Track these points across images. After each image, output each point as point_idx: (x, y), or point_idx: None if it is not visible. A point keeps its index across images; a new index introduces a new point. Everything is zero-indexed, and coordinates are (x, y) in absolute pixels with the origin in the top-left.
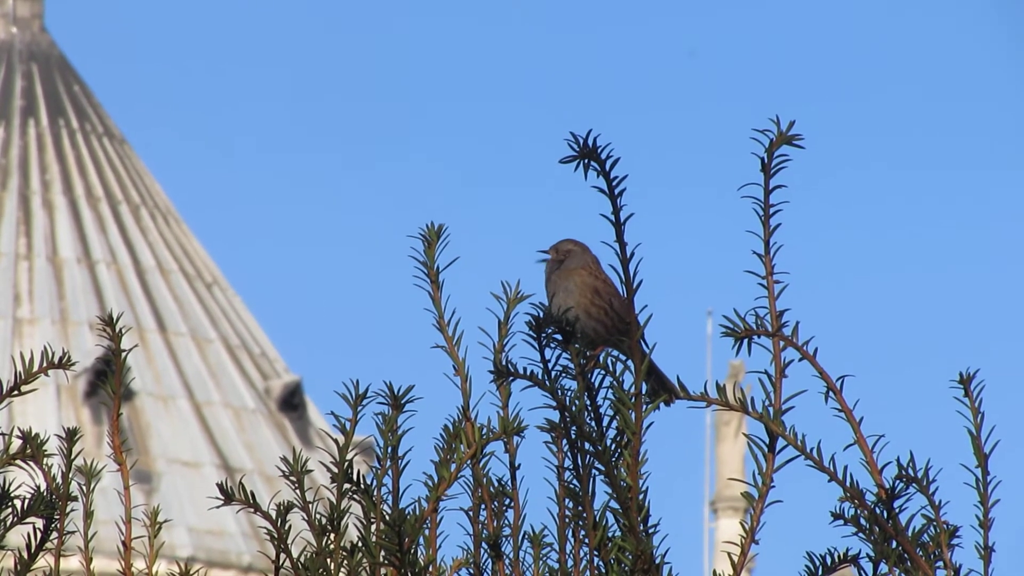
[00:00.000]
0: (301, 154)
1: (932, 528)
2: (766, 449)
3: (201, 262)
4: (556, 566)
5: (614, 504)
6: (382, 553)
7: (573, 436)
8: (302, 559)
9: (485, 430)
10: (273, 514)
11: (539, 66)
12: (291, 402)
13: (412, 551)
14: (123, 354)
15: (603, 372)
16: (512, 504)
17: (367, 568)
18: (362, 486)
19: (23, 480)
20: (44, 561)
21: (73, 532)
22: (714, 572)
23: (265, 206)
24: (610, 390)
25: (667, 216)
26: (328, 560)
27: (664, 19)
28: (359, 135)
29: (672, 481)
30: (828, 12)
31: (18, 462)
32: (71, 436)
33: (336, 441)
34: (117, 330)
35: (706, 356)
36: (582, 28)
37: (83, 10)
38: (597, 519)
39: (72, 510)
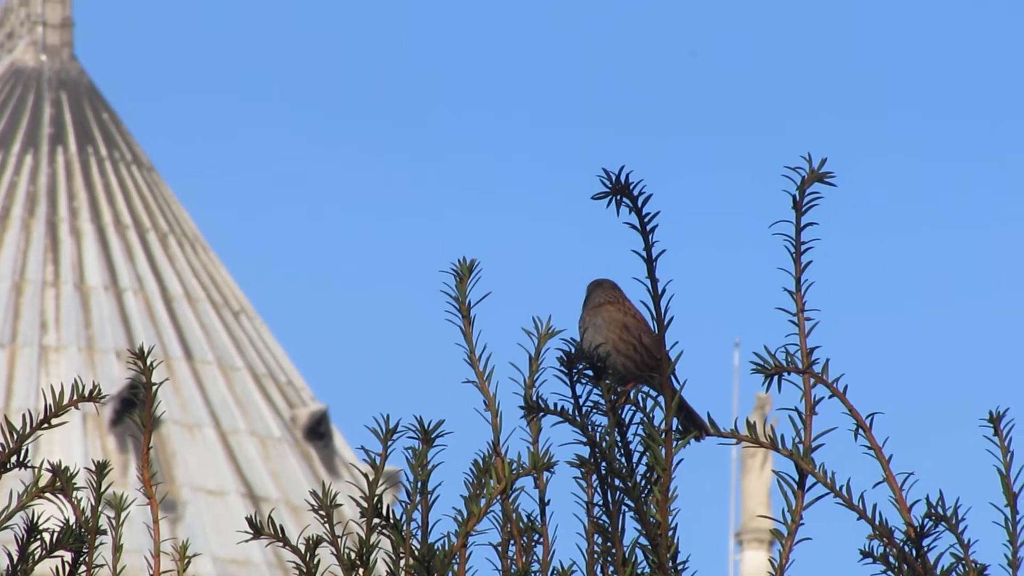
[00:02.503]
0: (330, 182)
1: (961, 567)
2: (795, 486)
3: (228, 290)
4: None
5: (643, 540)
6: None
7: (603, 472)
8: None
9: (515, 465)
10: (302, 548)
11: (574, 96)
12: (317, 431)
13: None
14: (154, 387)
15: (633, 408)
16: (541, 540)
17: None
18: (391, 521)
19: (52, 513)
20: None
21: (102, 566)
22: None
23: (294, 235)
24: (640, 426)
25: (692, 244)
26: None
27: (708, 53)
28: (391, 166)
29: (697, 513)
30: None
31: (47, 495)
32: (100, 469)
33: (365, 475)
34: (148, 363)
35: (733, 387)
36: (611, 48)
37: (113, 39)
38: (626, 555)
39: (100, 543)
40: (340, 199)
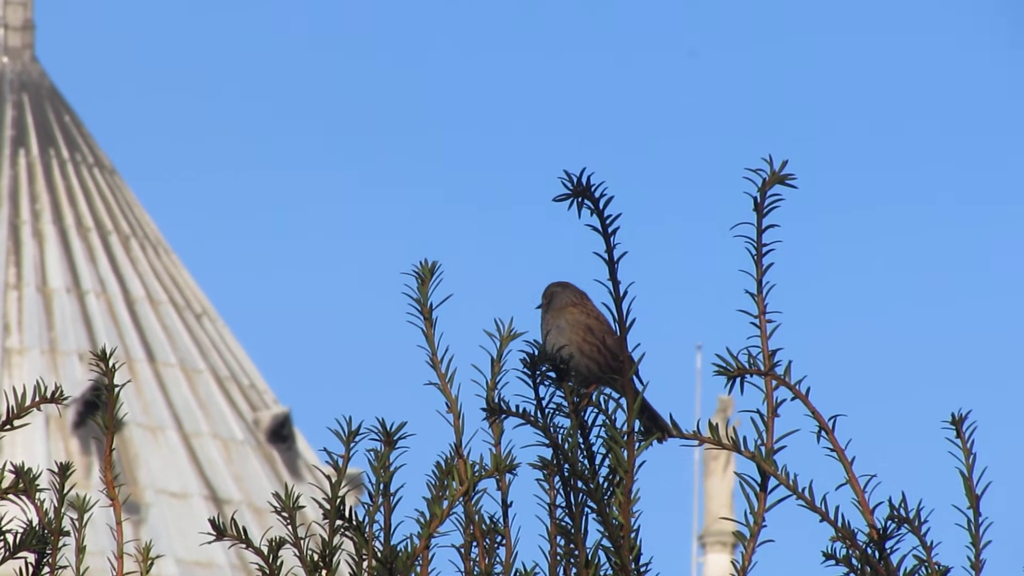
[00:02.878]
0: (292, 185)
1: (924, 569)
2: (758, 488)
3: (191, 293)
4: None
5: (606, 542)
6: None
7: (566, 474)
8: None
9: (477, 467)
10: (265, 550)
11: (533, 98)
12: (280, 433)
13: None
14: (116, 389)
15: (596, 410)
16: (504, 541)
17: None
18: (354, 522)
19: (15, 514)
20: None
21: (65, 567)
22: None
23: (256, 238)
24: (603, 428)
25: (654, 248)
26: None
27: (663, 51)
28: (350, 166)
29: (660, 515)
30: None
31: (10, 496)
32: (64, 471)
33: (328, 477)
34: (110, 365)
35: (695, 390)
36: (576, 54)
37: (74, 41)
38: (589, 557)
39: (64, 544)
40: (302, 201)
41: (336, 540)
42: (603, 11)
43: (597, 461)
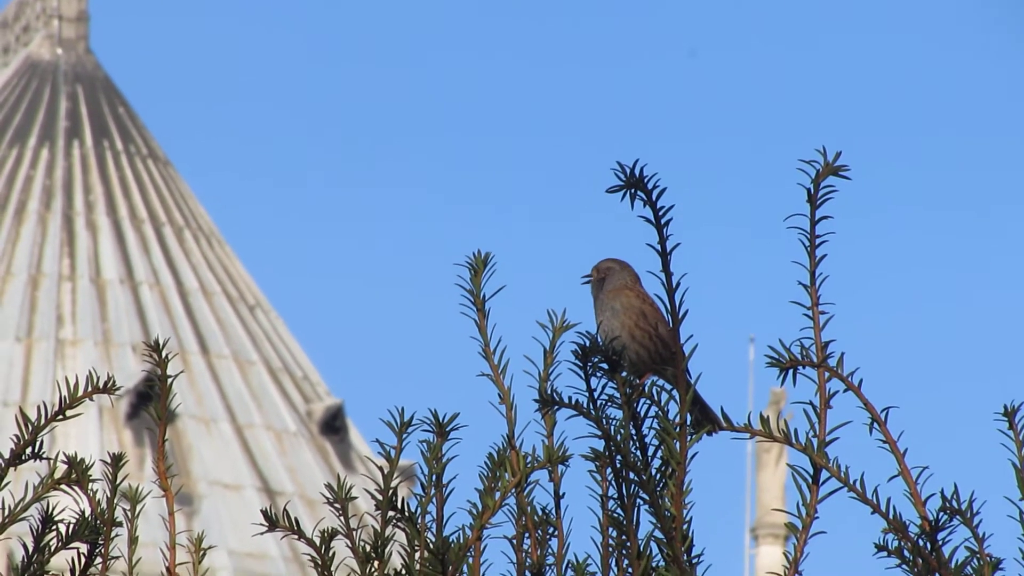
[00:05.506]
0: (345, 178)
1: (976, 561)
2: (810, 480)
3: (244, 284)
4: None
5: (658, 534)
6: None
7: (618, 465)
8: None
9: (530, 458)
10: (317, 541)
11: (584, 98)
12: (333, 425)
13: None
14: (169, 380)
15: (648, 402)
16: (556, 533)
17: None
18: (406, 513)
19: (67, 504)
20: None
21: (118, 558)
22: None
23: (309, 229)
24: (655, 420)
25: (707, 241)
26: None
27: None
28: (406, 161)
29: (713, 508)
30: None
31: (63, 487)
32: (116, 461)
33: (380, 468)
34: (163, 356)
35: (748, 382)
36: (625, 57)
37: (128, 32)
38: (641, 549)
39: (116, 535)
40: (355, 193)
41: (388, 531)
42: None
43: (649, 453)
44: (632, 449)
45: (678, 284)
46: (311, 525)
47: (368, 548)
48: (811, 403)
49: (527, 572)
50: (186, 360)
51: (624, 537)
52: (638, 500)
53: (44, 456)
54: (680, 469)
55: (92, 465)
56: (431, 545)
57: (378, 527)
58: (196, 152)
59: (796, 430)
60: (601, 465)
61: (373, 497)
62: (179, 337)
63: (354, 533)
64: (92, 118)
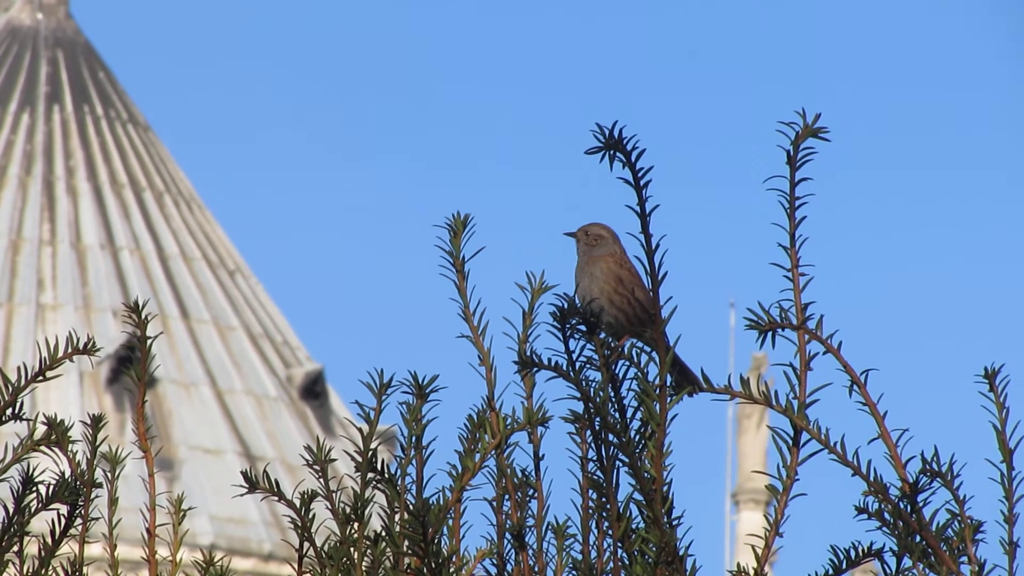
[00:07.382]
0: (325, 142)
1: (956, 523)
2: (790, 442)
3: (224, 250)
4: (579, 557)
5: (638, 496)
6: (406, 543)
7: (597, 427)
8: (325, 548)
9: (509, 420)
10: (297, 503)
11: (565, 56)
12: (313, 390)
13: (436, 541)
14: (148, 341)
15: (627, 363)
16: (536, 495)
17: (391, 557)
18: (386, 475)
19: (47, 466)
20: (68, 548)
21: (97, 519)
22: (738, 565)
23: (289, 194)
24: (634, 381)
25: (690, 208)
26: (351, 549)
27: (676, 17)
28: (385, 123)
29: (694, 474)
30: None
31: (42, 448)
32: (96, 423)
33: (360, 430)
34: (143, 318)
35: (729, 347)
36: (604, 21)
37: None
38: (621, 510)
39: (96, 496)
40: (334, 157)
41: (368, 493)
42: None
43: (629, 414)
44: (611, 411)
45: (657, 246)
46: (291, 489)
47: (348, 510)
48: (791, 365)
49: (507, 534)
50: (166, 325)
51: (604, 499)
52: (617, 462)
53: (24, 417)
54: (660, 431)
55: (72, 426)
56: (411, 507)
57: (358, 489)
58: (176, 117)
59: (776, 392)
60: (580, 427)
61: (353, 459)
62: (159, 302)
63: (334, 495)
64: (72, 83)
